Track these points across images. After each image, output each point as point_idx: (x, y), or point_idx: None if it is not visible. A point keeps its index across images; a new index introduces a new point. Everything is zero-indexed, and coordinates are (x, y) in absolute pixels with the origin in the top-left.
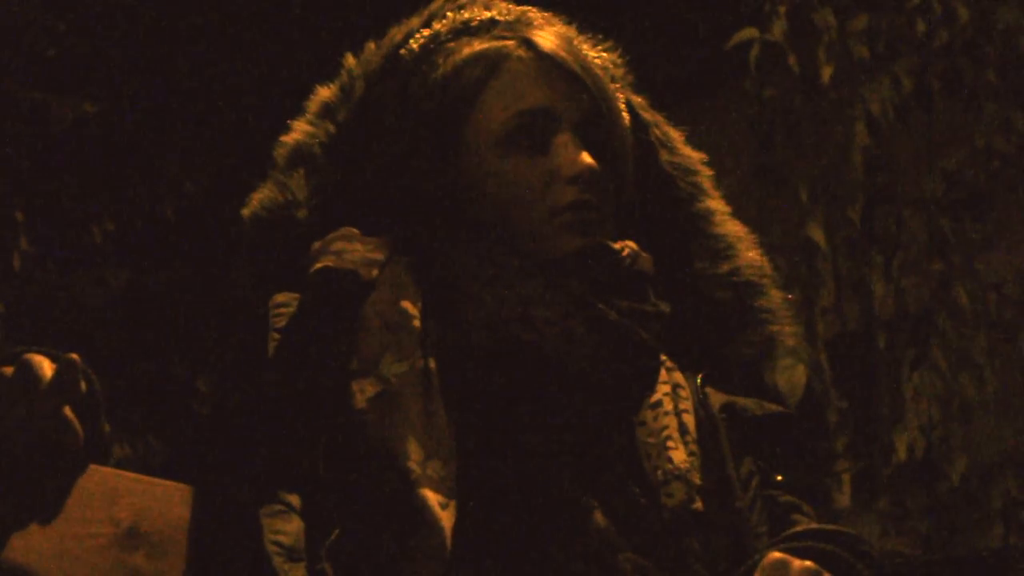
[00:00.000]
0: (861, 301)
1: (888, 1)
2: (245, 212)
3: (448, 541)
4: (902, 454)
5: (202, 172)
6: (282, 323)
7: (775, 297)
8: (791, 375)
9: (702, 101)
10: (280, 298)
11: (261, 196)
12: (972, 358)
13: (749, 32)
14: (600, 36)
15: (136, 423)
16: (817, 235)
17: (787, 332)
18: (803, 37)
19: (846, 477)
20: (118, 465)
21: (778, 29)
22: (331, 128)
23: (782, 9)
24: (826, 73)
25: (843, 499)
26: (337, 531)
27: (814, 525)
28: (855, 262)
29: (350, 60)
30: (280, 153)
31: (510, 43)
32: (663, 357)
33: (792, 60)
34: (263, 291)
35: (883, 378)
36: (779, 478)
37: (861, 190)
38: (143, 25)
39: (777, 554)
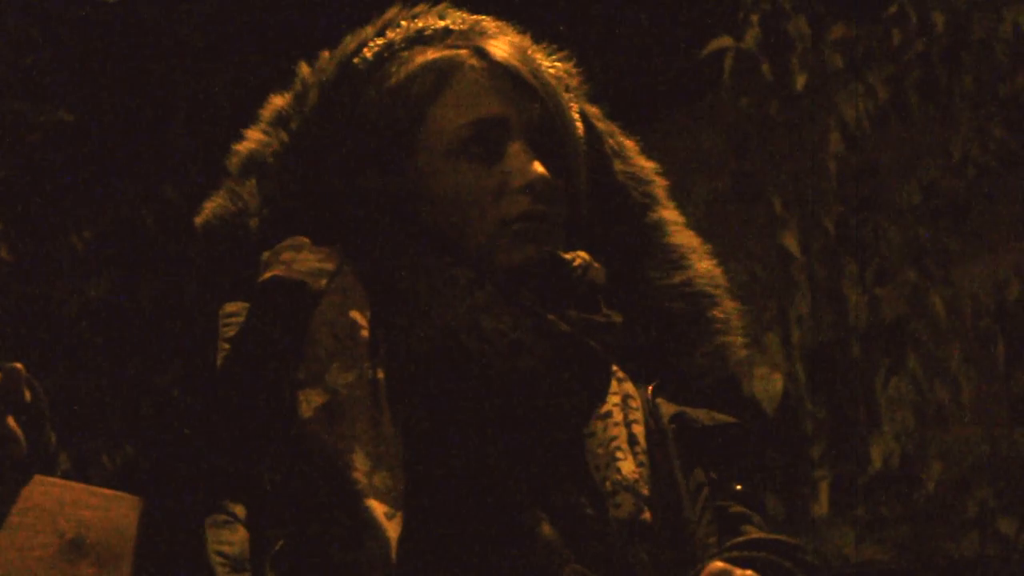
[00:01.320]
0: (836, 310)
1: (864, 10)
2: (198, 221)
3: (393, 552)
4: (877, 462)
5: (184, 179)
6: (232, 333)
7: (728, 307)
8: (768, 384)
9: (682, 111)
10: (230, 308)
11: (213, 205)
12: (947, 366)
13: (723, 41)
14: (555, 46)
15: (115, 433)
16: (791, 244)
17: (739, 343)
18: (777, 46)
19: (823, 485)
20: (103, 475)
21: (751, 38)
22: (284, 137)
23: (755, 18)
24: (800, 81)
25: (820, 507)
26: (282, 541)
27: (757, 535)
28: (830, 271)
29: (304, 69)
30: (233, 162)
31: (463, 52)
32: (614, 368)
33: (766, 68)
34: (214, 300)
35: (858, 386)
36: (739, 487)
37: (836, 199)
38: (121, 32)
39: (719, 563)
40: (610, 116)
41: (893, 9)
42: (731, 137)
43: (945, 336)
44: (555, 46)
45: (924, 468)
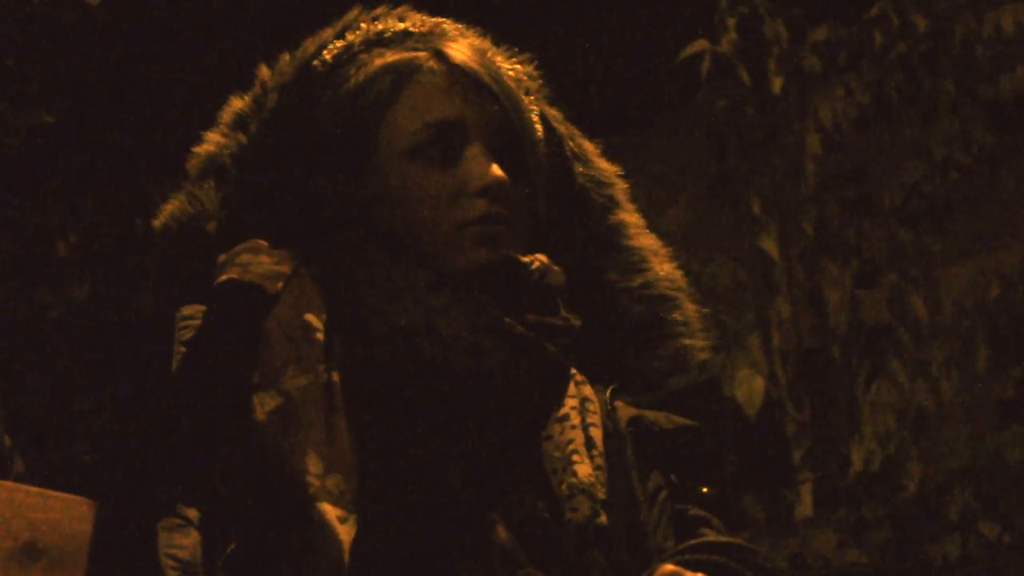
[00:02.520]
0: (817, 312)
1: (843, 12)
2: (156, 224)
3: (345, 555)
4: (858, 465)
5: (169, 182)
6: (188, 336)
7: (689, 310)
8: (750, 386)
9: (664, 115)
10: (187, 311)
11: (172, 208)
12: (929, 369)
13: (700, 44)
14: (531, 51)
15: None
16: (770, 246)
17: (700, 346)
18: (754, 49)
19: (807, 487)
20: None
21: (727, 41)
22: (243, 139)
23: (732, 21)
24: (776, 84)
25: (804, 509)
26: (233, 545)
27: (711, 538)
28: (810, 273)
29: (264, 71)
30: (192, 164)
31: (422, 55)
32: (573, 371)
33: (743, 72)
34: (171, 303)
35: (840, 389)
36: (705, 490)
37: (814, 201)
38: (104, 33)
39: (670, 566)
40: (593, 123)
41: (875, 12)
42: (709, 140)
43: (926, 339)
44: (530, 52)
45: (905, 471)
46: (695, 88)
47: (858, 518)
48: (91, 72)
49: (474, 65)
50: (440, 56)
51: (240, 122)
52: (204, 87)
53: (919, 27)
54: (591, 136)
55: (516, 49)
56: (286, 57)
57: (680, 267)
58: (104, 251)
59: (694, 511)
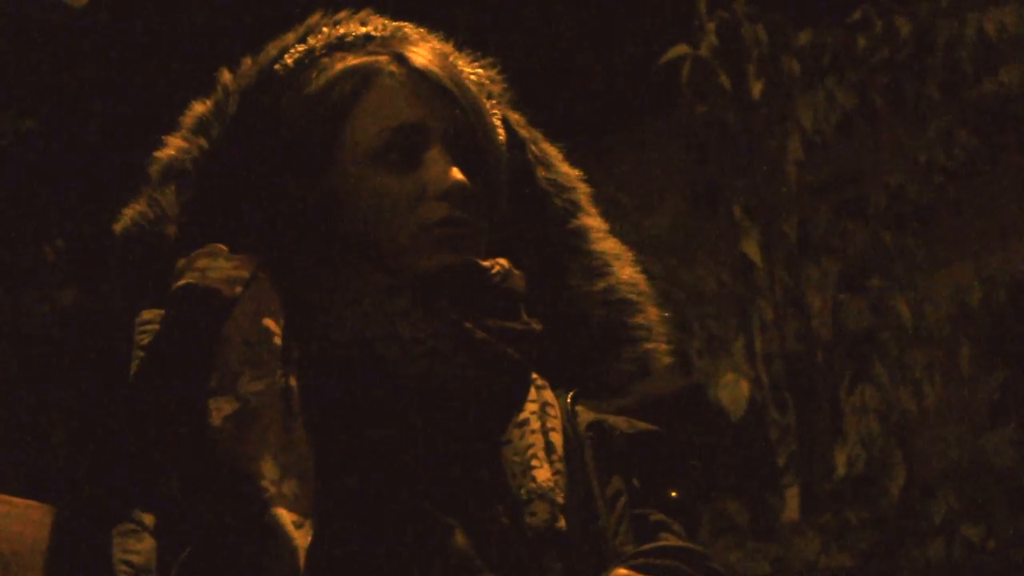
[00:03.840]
0: (800, 317)
1: (823, 16)
2: (116, 228)
3: (301, 561)
4: (842, 469)
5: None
6: (147, 341)
7: (652, 315)
8: (734, 391)
9: (650, 120)
10: (146, 315)
11: (132, 212)
12: (912, 373)
13: (680, 49)
14: (479, 52)
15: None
16: (752, 251)
17: (662, 350)
18: (734, 53)
19: (793, 491)
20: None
21: (706, 46)
22: (204, 144)
23: (711, 26)
24: (756, 89)
25: (790, 513)
26: (188, 550)
27: (665, 542)
28: (793, 277)
29: (226, 75)
30: (153, 169)
31: (383, 58)
32: (534, 375)
33: (723, 76)
34: (131, 308)
35: (823, 393)
36: (673, 494)
37: (796, 205)
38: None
39: (623, 571)
40: (577, 129)
41: (857, 15)
42: (690, 145)
43: (910, 342)
44: (513, 60)
45: (889, 475)
46: (678, 93)
47: (842, 522)
48: (74, 78)
49: (435, 69)
50: (401, 60)
51: (202, 126)
52: (190, 91)
53: (902, 31)
54: (576, 143)
55: (479, 53)
56: (248, 61)
57: (665, 271)
58: (91, 256)
59: (655, 516)
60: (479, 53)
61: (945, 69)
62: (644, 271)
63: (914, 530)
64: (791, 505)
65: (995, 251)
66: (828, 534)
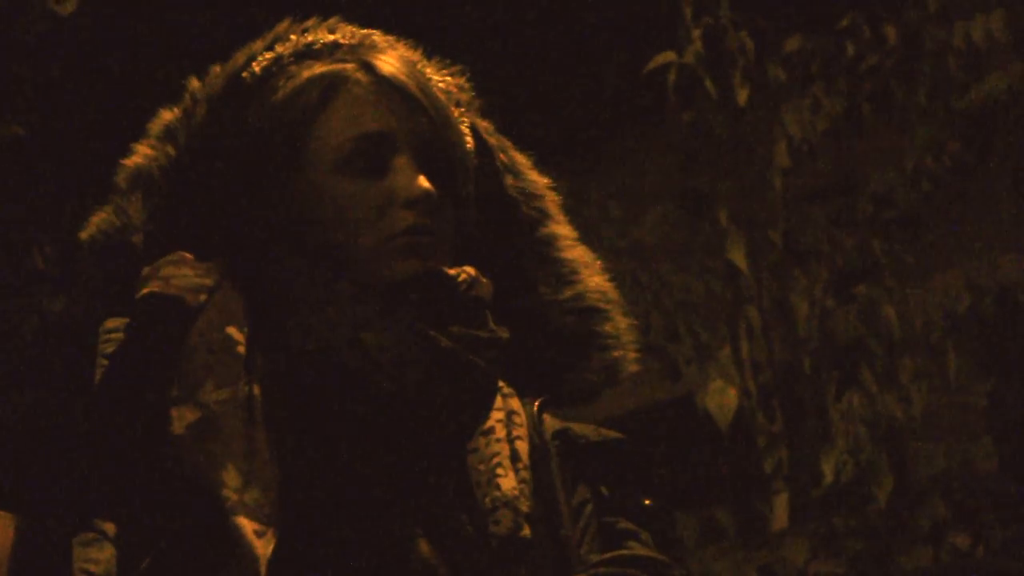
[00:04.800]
0: (787, 324)
1: (810, 23)
2: (83, 236)
3: (262, 569)
4: (829, 476)
5: None
6: (110, 349)
7: (620, 323)
8: (722, 398)
9: (639, 126)
10: (111, 323)
11: (99, 219)
12: (899, 380)
13: (666, 56)
14: (448, 60)
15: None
16: (739, 258)
17: (631, 358)
18: (720, 60)
19: (782, 499)
20: None
21: (691, 53)
22: (171, 151)
23: (697, 33)
24: (742, 96)
25: (779, 521)
26: (149, 560)
27: (628, 551)
28: (780, 285)
29: (194, 83)
30: (121, 176)
31: (350, 66)
32: (501, 383)
33: (708, 83)
34: (97, 316)
35: (810, 400)
36: (647, 502)
37: (782, 212)
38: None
39: None
40: (563, 140)
41: (846, 22)
42: (677, 152)
43: (898, 350)
44: (498, 71)
45: (877, 482)
46: (665, 100)
47: (830, 529)
48: (63, 84)
49: (402, 77)
50: (368, 68)
51: (169, 134)
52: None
53: (890, 38)
54: (565, 151)
55: (448, 61)
56: (216, 68)
57: (654, 278)
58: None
59: (623, 524)
60: (448, 60)
61: (933, 76)
62: (634, 278)
63: (902, 538)
64: (780, 513)
65: (983, 258)
66: (816, 542)
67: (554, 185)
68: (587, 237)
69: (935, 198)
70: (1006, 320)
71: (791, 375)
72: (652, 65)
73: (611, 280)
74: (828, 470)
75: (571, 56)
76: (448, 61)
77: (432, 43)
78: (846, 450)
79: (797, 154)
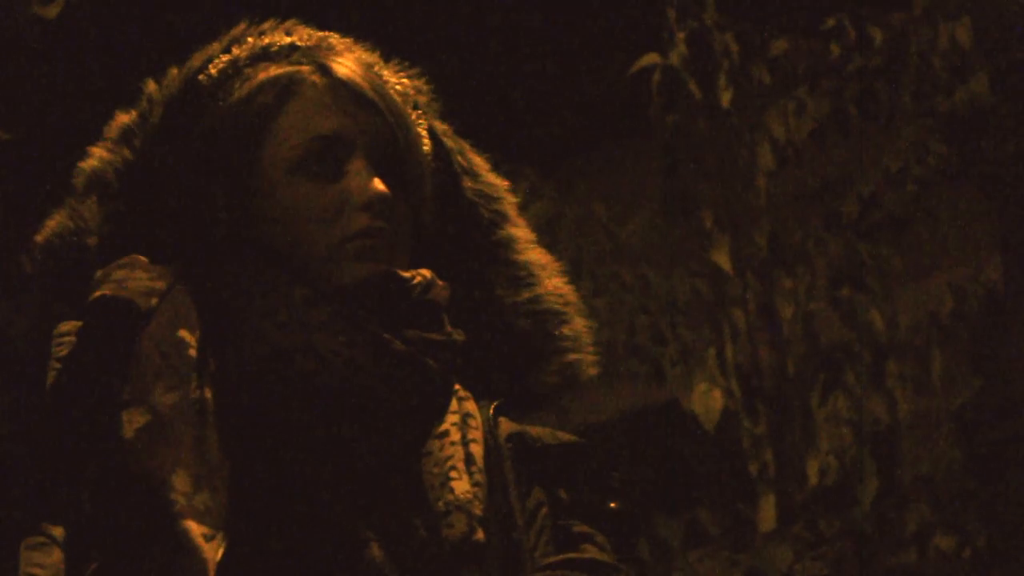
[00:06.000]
0: (771, 326)
1: (795, 25)
2: (38, 239)
3: (210, 573)
4: (814, 478)
5: None
6: (63, 353)
7: (578, 325)
8: (707, 400)
9: (626, 127)
10: (64, 327)
11: (54, 223)
12: (884, 382)
13: (651, 58)
14: (407, 63)
15: None
16: (723, 260)
17: (589, 360)
18: (704, 62)
19: (769, 500)
20: None
21: (676, 55)
22: (127, 154)
23: (681, 35)
24: (726, 98)
25: (767, 523)
26: (97, 564)
27: (574, 554)
28: (764, 287)
29: (151, 85)
30: (77, 179)
31: (305, 68)
32: (457, 386)
33: (692, 85)
34: (51, 319)
35: (795, 403)
36: (613, 505)
37: (766, 214)
38: (62, 48)
39: None
40: (551, 142)
41: (831, 23)
42: (661, 154)
43: (883, 352)
44: (483, 74)
45: (862, 484)
46: (650, 102)
47: (814, 532)
48: (51, 86)
49: (357, 79)
50: (323, 70)
51: (125, 137)
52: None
53: (875, 39)
54: (552, 154)
55: (407, 63)
56: (174, 71)
57: (640, 281)
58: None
59: (579, 528)
60: (407, 63)
61: (918, 77)
62: (619, 280)
63: (887, 540)
64: (768, 515)
65: (968, 261)
66: (801, 544)
67: (513, 187)
68: (573, 239)
69: (920, 200)
70: (990, 322)
71: (776, 377)
72: (636, 67)
73: (603, 281)
74: (813, 472)
75: (556, 59)
76: (407, 63)
77: (417, 47)
78: (831, 452)
79: (782, 156)
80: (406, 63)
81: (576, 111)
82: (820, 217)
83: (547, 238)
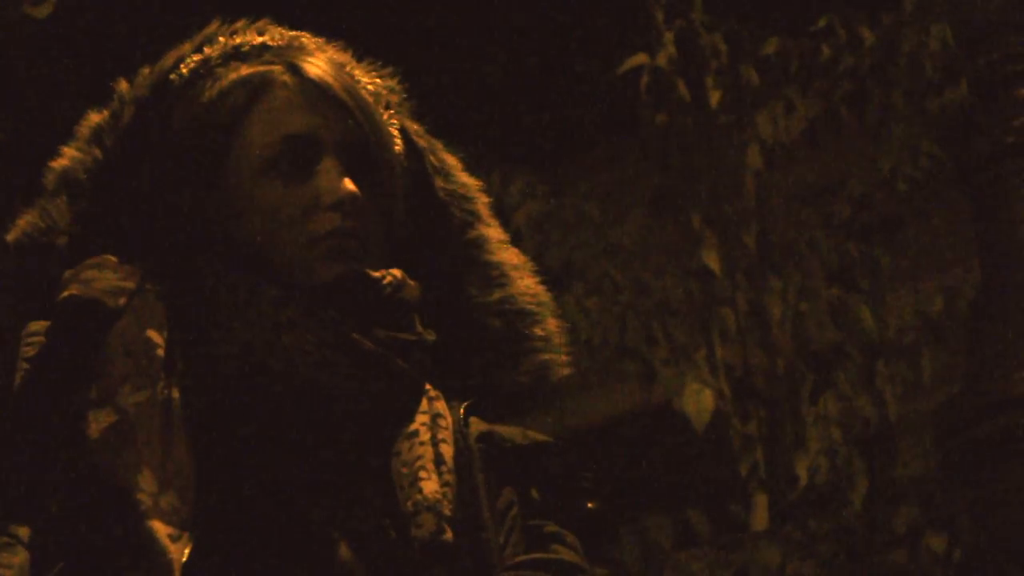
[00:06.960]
0: (761, 326)
1: (784, 25)
2: (8, 238)
3: (176, 574)
4: (804, 479)
5: None
6: (32, 352)
7: (550, 325)
8: (698, 400)
9: (618, 127)
10: (33, 327)
11: (24, 222)
12: (874, 383)
13: (639, 59)
14: (380, 62)
15: None
16: (712, 261)
17: (561, 361)
18: (692, 63)
19: (762, 500)
20: None
21: (663, 56)
22: (98, 154)
23: (669, 35)
24: (714, 98)
25: (760, 522)
26: (62, 564)
27: (539, 554)
28: (754, 287)
29: (123, 85)
30: (48, 179)
31: (276, 68)
32: (427, 386)
33: (681, 86)
34: (20, 319)
35: (785, 403)
36: (590, 505)
37: (755, 215)
38: (53, 48)
39: None
40: (544, 144)
41: (822, 23)
42: (650, 155)
43: (873, 352)
44: (474, 76)
45: (852, 484)
46: (638, 102)
47: (805, 531)
48: (43, 86)
49: (328, 79)
50: (294, 70)
51: (96, 136)
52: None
53: (866, 40)
54: (543, 154)
55: (379, 63)
56: (146, 71)
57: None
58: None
59: (549, 528)
60: (380, 62)
61: (909, 78)
62: (611, 281)
63: (877, 540)
64: (760, 514)
65: (959, 261)
66: (791, 544)
67: (484, 187)
68: (565, 239)
69: (912, 201)
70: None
71: (766, 378)
72: (624, 67)
73: (595, 281)
74: (803, 472)
75: (546, 59)
76: (380, 62)
77: (405, 47)
78: (821, 452)
79: (771, 157)
80: (383, 63)
81: (568, 112)
82: (811, 218)
83: (539, 238)
